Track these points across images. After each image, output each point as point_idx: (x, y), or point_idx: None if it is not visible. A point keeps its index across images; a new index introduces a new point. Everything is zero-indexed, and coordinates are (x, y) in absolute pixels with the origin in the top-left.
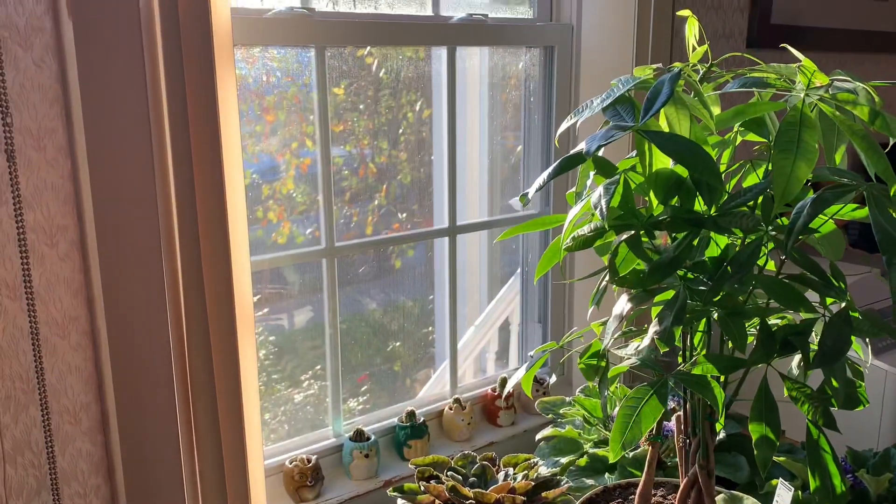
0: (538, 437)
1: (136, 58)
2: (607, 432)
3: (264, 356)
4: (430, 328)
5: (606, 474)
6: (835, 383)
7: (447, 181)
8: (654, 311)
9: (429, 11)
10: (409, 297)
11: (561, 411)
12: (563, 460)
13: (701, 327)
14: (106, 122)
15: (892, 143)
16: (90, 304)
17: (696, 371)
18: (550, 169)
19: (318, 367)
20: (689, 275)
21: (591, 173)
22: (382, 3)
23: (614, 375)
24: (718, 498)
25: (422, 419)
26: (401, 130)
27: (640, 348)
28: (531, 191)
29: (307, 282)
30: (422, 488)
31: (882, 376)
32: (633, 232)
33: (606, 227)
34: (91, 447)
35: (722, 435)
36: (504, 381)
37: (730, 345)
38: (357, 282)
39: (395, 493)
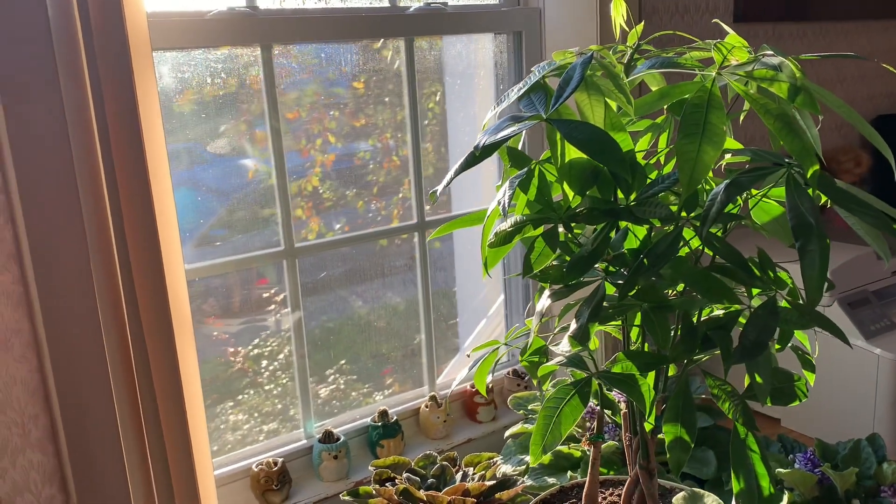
0: (506, 434)
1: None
2: (576, 428)
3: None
4: (456, 319)
5: (569, 472)
6: (759, 379)
7: (413, 174)
8: None
9: (385, 3)
10: (436, 288)
11: (530, 407)
12: (528, 458)
13: (637, 321)
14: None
15: (821, 119)
16: (31, 317)
17: (616, 369)
18: (458, 164)
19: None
20: (612, 268)
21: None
22: None
23: (545, 374)
24: (679, 496)
25: (394, 418)
26: (426, 122)
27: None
28: (440, 188)
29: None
30: (374, 491)
31: (874, 360)
32: (549, 226)
33: (509, 223)
34: (42, 457)
35: None
36: None
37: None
38: (391, 273)
39: (347, 497)
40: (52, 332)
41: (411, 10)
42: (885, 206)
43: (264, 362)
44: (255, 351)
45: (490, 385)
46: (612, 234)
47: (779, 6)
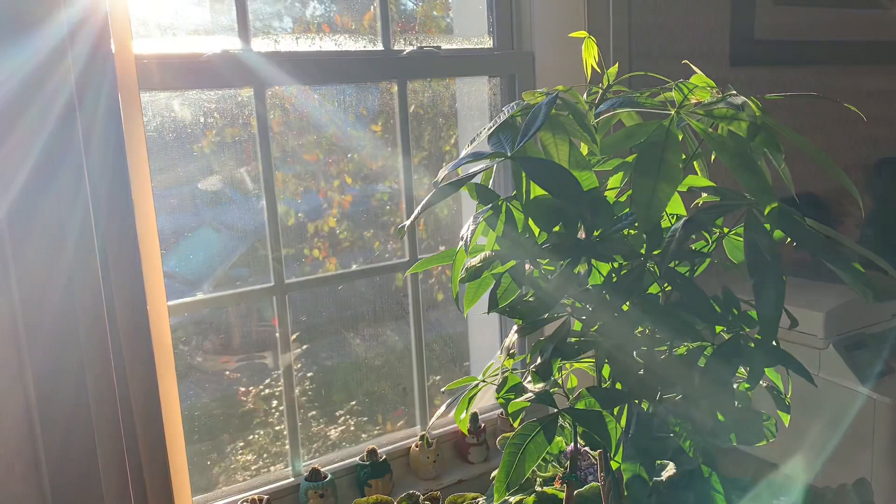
0: (493, 474)
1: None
2: (561, 469)
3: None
4: (468, 362)
5: None
6: (720, 417)
7: (404, 211)
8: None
9: (379, 46)
10: (448, 329)
11: None
12: (512, 500)
13: None
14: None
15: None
16: (18, 349)
17: (580, 406)
18: (424, 201)
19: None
20: (577, 304)
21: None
22: (328, 40)
23: (515, 411)
24: None
25: (383, 457)
26: (444, 164)
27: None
28: (407, 223)
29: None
30: None
31: (871, 405)
32: (514, 262)
33: (478, 259)
34: (25, 489)
35: (672, 470)
36: (475, 417)
37: None
38: (402, 313)
39: None
40: (37, 362)
41: (405, 53)
42: (855, 247)
43: (275, 402)
44: (267, 391)
45: (483, 425)
46: (579, 270)
47: (775, 50)
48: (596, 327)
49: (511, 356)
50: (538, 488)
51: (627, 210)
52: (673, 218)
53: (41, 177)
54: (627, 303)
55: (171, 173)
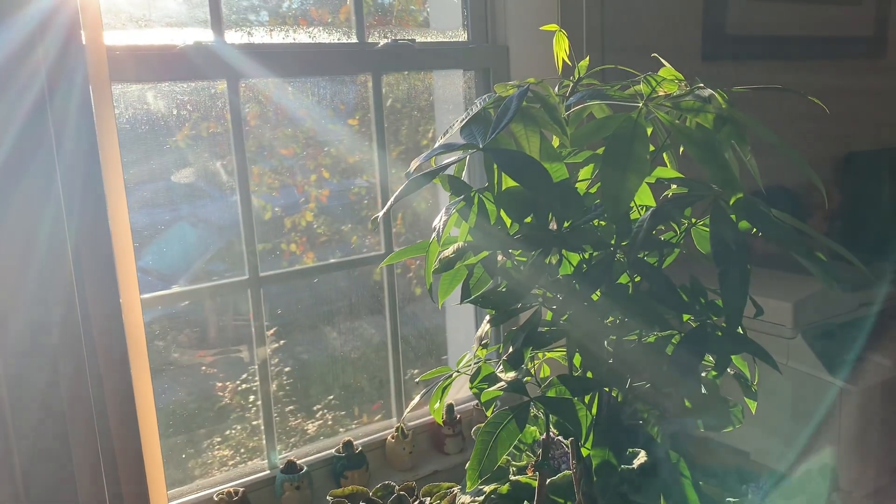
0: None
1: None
2: (535, 457)
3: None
4: (445, 356)
5: (526, 503)
6: (687, 403)
7: (380, 205)
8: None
9: (354, 39)
10: (427, 323)
11: None
12: (486, 489)
13: None
14: None
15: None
16: None
17: (551, 393)
18: (397, 192)
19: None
20: (548, 294)
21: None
22: (302, 32)
23: (488, 400)
24: None
25: (359, 449)
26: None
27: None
28: (379, 215)
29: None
30: None
31: (839, 393)
32: (487, 253)
33: (451, 250)
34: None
35: (643, 458)
36: (451, 408)
37: None
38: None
39: None
40: (9, 356)
41: (379, 46)
42: (821, 238)
43: (252, 397)
44: (244, 386)
45: (459, 416)
46: (551, 261)
47: (742, 46)
48: (566, 316)
49: (484, 346)
50: (512, 477)
51: (598, 201)
52: (643, 209)
53: (12, 171)
54: (597, 292)
55: (144, 166)
